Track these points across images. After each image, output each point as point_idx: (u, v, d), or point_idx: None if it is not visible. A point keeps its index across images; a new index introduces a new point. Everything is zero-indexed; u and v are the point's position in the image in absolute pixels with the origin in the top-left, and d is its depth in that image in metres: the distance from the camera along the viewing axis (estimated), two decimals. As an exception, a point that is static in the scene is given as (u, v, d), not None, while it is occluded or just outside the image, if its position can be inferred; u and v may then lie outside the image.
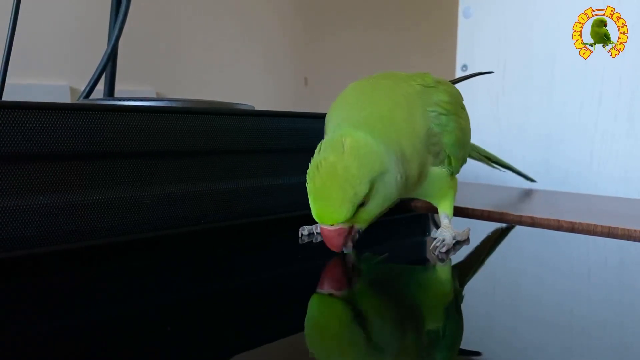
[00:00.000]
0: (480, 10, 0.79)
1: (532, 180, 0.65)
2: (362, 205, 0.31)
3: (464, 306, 0.29)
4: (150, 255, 0.36)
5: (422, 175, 0.36)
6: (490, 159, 0.57)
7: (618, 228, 0.42)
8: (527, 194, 0.63)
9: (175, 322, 0.25)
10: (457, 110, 0.37)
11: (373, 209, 0.33)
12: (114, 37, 0.46)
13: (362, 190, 0.31)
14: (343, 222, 0.31)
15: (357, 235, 0.34)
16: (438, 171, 0.36)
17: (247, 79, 0.86)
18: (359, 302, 0.30)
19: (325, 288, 0.31)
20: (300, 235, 0.39)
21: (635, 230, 0.41)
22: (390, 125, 0.33)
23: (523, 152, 0.73)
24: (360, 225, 0.33)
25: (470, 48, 0.80)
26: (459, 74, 0.81)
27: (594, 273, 0.36)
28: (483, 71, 0.48)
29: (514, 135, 0.76)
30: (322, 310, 0.28)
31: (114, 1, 0.49)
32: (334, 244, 0.32)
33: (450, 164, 0.37)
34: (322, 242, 0.33)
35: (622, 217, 0.47)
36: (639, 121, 0.66)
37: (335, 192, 0.30)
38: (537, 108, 0.74)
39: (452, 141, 0.36)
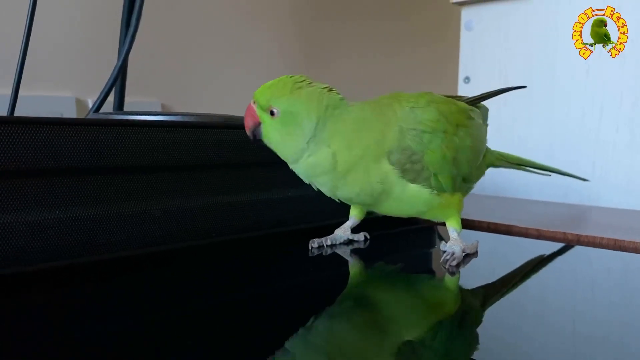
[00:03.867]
0: (482, 23, 0.79)
1: (584, 179, 0.59)
2: (272, 114, 0.35)
3: (474, 318, 0.29)
4: (160, 269, 0.36)
5: (377, 191, 0.36)
6: (523, 165, 0.55)
7: (624, 240, 0.42)
8: (533, 206, 0.64)
9: (185, 335, 0.26)
10: (447, 128, 0.37)
11: (274, 128, 0.35)
12: (124, 51, 0.46)
13: (296, 97, 0.35)
14: (261, 105, 0.36)
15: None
16: (413, 189, 0.36)
17: (251, 93, 0.86)
18: (373, 315, 0.30)
19: (336, 301, 0.32)
20: (310, 248, 0.39)
21: (641, 243, 0.41)
22: (354, 140, 0.35)
23: (525, 163, 0.73)
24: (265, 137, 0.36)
25: (473, 60, 0.80)
26: (460, 86, 0.81)
27: (599, 285, 0.36)
28: (514, 86, 0.47)
29: (515, 147, 0.76)
30: (332, 322, 0.28)
31: (124, 15, 0.50)
32: (245, 122, 0.37)
33: (438, 181, 0.36)
34: (331, 255, 0.33)
35: (628, 229, 0.48)
36: (640, 132, 0.67)
37: (282, 82, 0.36)
38: (538, 119, 0.74)
39: (436, 159, 0.36)
